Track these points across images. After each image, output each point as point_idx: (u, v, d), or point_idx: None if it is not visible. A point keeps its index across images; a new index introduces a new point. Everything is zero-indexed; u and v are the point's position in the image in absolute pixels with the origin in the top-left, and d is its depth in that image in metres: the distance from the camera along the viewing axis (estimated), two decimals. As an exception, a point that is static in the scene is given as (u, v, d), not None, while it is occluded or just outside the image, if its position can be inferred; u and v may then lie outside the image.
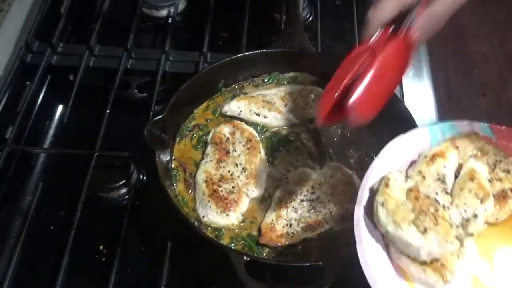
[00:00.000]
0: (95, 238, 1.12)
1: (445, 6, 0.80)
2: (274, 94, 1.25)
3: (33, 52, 1.37)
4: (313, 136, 1.21)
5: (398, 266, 0.79)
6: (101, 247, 1.11)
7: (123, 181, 1.17)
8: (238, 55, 1.27)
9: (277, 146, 1.20)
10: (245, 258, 0.93)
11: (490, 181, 0.87)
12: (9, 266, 1.05)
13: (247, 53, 1.27)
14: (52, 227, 1.15)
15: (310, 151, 1.19)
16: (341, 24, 1.54)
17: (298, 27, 1.31)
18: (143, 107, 1.25)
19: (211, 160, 1.14)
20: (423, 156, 0.86)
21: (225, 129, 1.19)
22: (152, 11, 1.55)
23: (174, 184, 1.14)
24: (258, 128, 1.22)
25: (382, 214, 0.77)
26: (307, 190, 1.09)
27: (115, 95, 1.28)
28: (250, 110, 1.22)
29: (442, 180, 0.83)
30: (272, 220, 1.05)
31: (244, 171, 1.12)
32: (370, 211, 0.81)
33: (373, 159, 0.86)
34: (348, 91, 0.79)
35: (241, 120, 1.22)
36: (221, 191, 1.09)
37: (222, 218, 1.07)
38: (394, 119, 1.06)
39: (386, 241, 0.79)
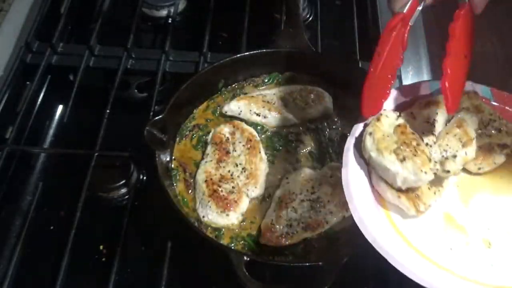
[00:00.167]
0: (95, 238, 1.12)
1: None
2: (274, 94, 1.25)
3: (33, 52, 1.37)
4: (313, 136, 1.21)
5: (376, 194, 0.85)
6: (101, 247, 1.11)
7: (123, 181, 1.17)
8: (238, 55, 1.27)
9: (277, 146, 1.20)
10: (245, 258, 0.93)
11: (479, 135, 0.93)
12: (9, 266, 1.05)
13: (247, 53, 1.27)
14: (52, 227, 1.15)
15: (310, 151, 1.19)
16: (341, 24, 1.54)
17: (298, 27, 1.31)
18: (143, 107, 1.25)
19: (211, 160, 1.14)
20: (417, 102, 0.92)
21: (225, 129, 1.19)
22: (152, 11, 1.55)
23: (174, 184, 1.14)
24: (258, 128, 1.22)
25: (368, 141, 0.84)
26: (307, 190, 1.09)
27: (115, 95, 1.28)
28: (250, 110, 1.22)
29: (431, 123, 0.89)
30: (272, 220, 1.05)
31: (244, 171, 1.12)
32: (360, 143, 0.89)
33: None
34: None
35: (241, 120, 1.22)
36: (221, 191, 1.09)
37: (222, 218, 1.07)
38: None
39: (369, 169, 0.86)
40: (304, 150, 1.19)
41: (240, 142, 1.16)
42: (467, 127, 0.89)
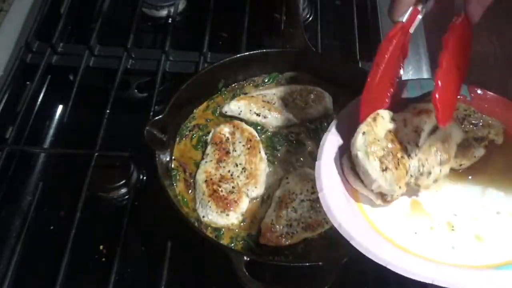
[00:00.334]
0: (95, 238, 1.12)
1: None
2: (274, 94, 1.25)
3: (33, 52, 1.37)
4: (313, 136, 1.21)
5: (348, 184, 0.88)
6: (101, 247, 1.11)
7: (123, 181, 1.17)
8: (238, 55, 1.27)
9: (277, 146, 1.20)
10: (245, 258, 0.93)
11: None
12: (9, 266, 1.05)
13: (247, 53, 1.27)
14: (52, 227, 1.15)
15: (310, 151, 1.19)
16: (341, 24, 1.54)
17: (298, 27, 1.31)
18: (143, 107, 1.25)
19: (211, 160, 1.14)
20: (412, 107, 0.93)
21: (225, 129, 1.19)
22: (152, 11, 1.55)
23: (174, 184, 1.14)
24: (258, 128, 1.22)
25: (360, 140, 0.86)
26: (307, 190, 1.09)
27: (115, 95, 1.28)
28: (250, 110, 1.22)
29: (418, 133, 0.89)
30: (272, 220, 1.05)
31: (244, 171, 1.12)
32: (342, 137, 0.92)
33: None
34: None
35: (241, 120, 1.22)
36: (221, 191, 1.09)
37: (222, 218, 1.07)
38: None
39: (342, 160, 0.89)
40: (304, 150, 1.19)
41: (240, 142, 1.16)
42: (450, 142, 0.90)
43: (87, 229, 1.10)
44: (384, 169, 0.83)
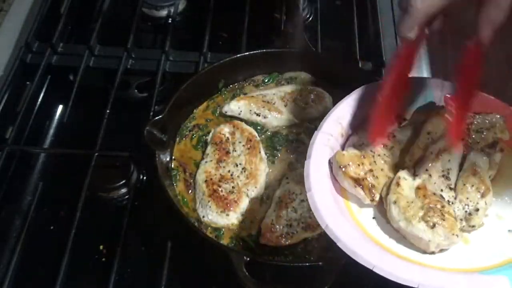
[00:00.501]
0: (95, 238, 1.12)
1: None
2: (274, 94, 1.25)
3: (33, 52, 1.37)
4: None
5: (337, 184, 0.87)
6: (101, 247, 1.11)
7: (123, 181, 1.17)
8: (238, 55, 1.27)
9: (277, 146, 1.20)
10: (245, 258, 0.93)
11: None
12: (9, 266, 1.05)
13: (247, 53, 1.27)
14: (52, 227, 1.15)
15: (310, 151, 1.19)
16: (341, 24, 1.54)
17: (298, 27, 1.31)
18: (143, 107, 1.25)
19: (211, 160, 1.14)
20: (429, 152, 0.90)
21: (225, 129, 1.19)
22: (152, 11, 1.55)
23: (174, 184, 1.14)
24: (258, 128, 1.22)
25: (394, 211, 0.83)
26: (307, 190, 1.09)
27: (115, 95, 1.28)
28: (250, 110, 1.22)
29: (446, 176, 0.87)
30: (272, 220, 1.05)
31: (244, 171, 1.12)
32: (332, 135, 0.91)
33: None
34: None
35: (241, 120, 1.22)
36: (221, 191, 1.09)
37: (222, 218, 1.07)
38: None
39: (331, 159, 0.88)
40: (304, 150, 1.19)
41: (240, 142, 1.16)
42: (481, 173, 0.87)
43: (87, 229, 1.10)
44: (433, 226, 0.79)
